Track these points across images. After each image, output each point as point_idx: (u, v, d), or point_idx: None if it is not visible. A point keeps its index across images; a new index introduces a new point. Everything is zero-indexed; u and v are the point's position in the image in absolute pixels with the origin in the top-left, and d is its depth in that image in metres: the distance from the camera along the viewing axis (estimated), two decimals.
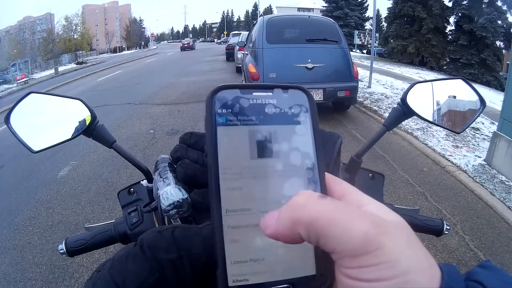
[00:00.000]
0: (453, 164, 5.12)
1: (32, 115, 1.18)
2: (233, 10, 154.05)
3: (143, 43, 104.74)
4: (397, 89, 10.75)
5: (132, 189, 1.01)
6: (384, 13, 34.41)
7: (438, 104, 1.13)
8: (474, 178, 4.66)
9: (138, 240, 0.41)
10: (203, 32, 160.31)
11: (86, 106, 1.12)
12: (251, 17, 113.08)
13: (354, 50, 33.94)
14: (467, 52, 25.29)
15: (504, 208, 3.98)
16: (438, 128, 5.62)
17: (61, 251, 1.00)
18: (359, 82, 7.57)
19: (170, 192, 0.67)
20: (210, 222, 0.35)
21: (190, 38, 75.86)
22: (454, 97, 1.14)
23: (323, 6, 46.28)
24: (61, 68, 50.42)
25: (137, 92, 12.42)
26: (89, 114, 1.11)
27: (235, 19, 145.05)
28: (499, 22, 24.33)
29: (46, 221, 3.98)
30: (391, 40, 30.24)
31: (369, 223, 0.27)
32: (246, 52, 8.70)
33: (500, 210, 3.96)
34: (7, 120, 1.14)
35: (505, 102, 5.26)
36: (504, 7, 24.55)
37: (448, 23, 28.31)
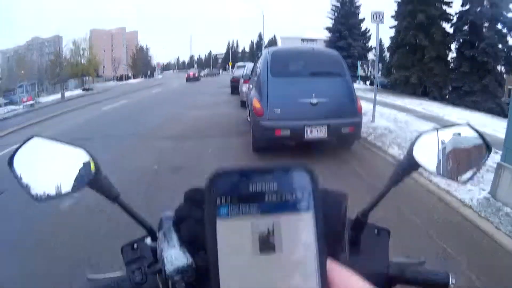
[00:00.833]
0: (458, 199, 5.04)
1: (35, 161, 1.14)
2: (238, 40, 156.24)
3: (149, 72, 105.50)
4: (401, 122, 10.78)
5: (135, 245, 1.00)
6: (386, 43, 34.93)
7: (443, 153, 1.18)
8: (479, 213, 4.60)
9: None
10: (209, 63, 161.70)
11: (89, 155, 1.09)
12: (256, 47, 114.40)
13: (357, 81, 34.21)
14: (469, 79, 25.73)
15: (510, 242, 3.94)
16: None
17: None
18: (363, 117, 7.58)
19: (174, 256, 0.67)
20: None
21: (195, 69, 76.02)
22: (459, 145, 1.19)
23: (327, 36, 46.84)
24: (67, 93, 50.80)
25: (142, 123, 12.50)
26: (93, 164, 1.08)
27: (240, 50, 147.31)
28: (500, 46, 24.92)
29: (44, 256, 3.86)
30: (394, 71, 30.68)
31: None
32: (251, 86, 8.72)
33: (506, 244, 3.91)
34: (10, 163, 1.09)
35: (508, 130, 5.08)
36: (504, 30, 25.28)
37: (450, 50, 29.07)
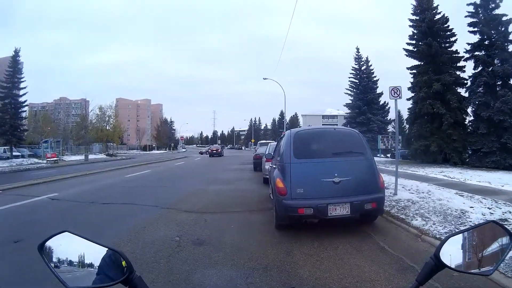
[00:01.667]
0: None
1: (65, 252, 1.24)
2: (260, 118, 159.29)
3: (172, 144, 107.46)
4: (423, 192, 10.73)
5: None
6: (405, 114, 35.30)
7: (469, 252, 1.18)
8: (506, 273, 4.43)
9: None
10: (231, 139, 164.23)
11: (124, 258, 1.20)
12: (278, 125, 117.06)
13: (378, 155, 34.23)
14: (487, 140, 25.79)
15: None
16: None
17: None
18: (386, 190, 7.46)
19: None
20: None
21: (218, 145, 77.28)
22: (485, 242, 1.20)
23: (347, 113, 47.98)
24: (91, 156, 52.27)
25: (164, 195, 12.60)
26: (126, 264, 1.20)
27: (262, 127, 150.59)
28: None
29: None
30: (413, 141, 30.84)
31: None
32: (274, 166, 8.78)
33: None
34: (40, 249, 1.23)
35: None
36: None
37: (467, 114, 29.35)
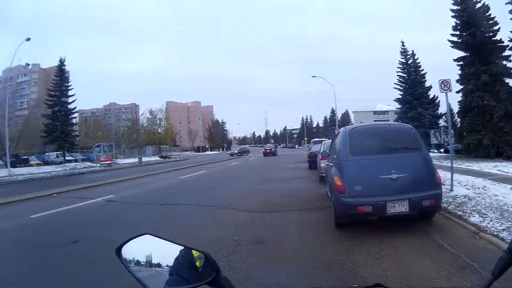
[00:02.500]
0: None
1: (145, 255, 1.25)
2: (311, 116, 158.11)
3: (225, 145, 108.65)
4: (478, 188, 10.46)
5: None
6: (455, 107, 34.28)
7: None
8: None
9: None
10: (284, 138, 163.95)
11: (210, 260, 1.21)
12: (329, 123, 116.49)
13: (431, 150, 33.38)
14: None
15: None
16: None
17: None
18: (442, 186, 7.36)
19: None
20: None
21: (272, 144, 77.29)
22: None
23: (397, 108, 46.85)
24: (144, 159, 53.60)
25: (220, 195, 12.85)
26: (213, 266, 1.20)
27: (314, 125, 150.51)
28: None
29: None
30: (465, 135, 29.94)
31: None
32: (330, 163, 8.75)
33: None
34: (118, 252, 1.27)
35: None
36: None
37: None
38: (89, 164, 44.22)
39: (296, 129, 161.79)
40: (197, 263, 1.22)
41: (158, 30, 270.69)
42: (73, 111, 50.06)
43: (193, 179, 20.18)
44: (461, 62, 30.72)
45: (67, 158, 46.40)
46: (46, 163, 43.96)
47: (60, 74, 48.19)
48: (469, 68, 29.07)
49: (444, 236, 6.29)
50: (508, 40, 28.24)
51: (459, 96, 31.33)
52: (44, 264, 5.95)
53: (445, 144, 28.20)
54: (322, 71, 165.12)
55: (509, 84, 28.63)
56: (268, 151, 53.18)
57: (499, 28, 29.21)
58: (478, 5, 29.63)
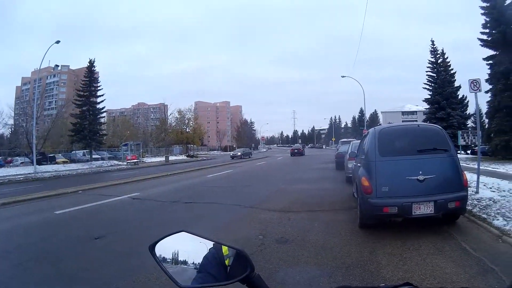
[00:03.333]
0: None
1: (179, 251, 1.30)
2: (340, 116, 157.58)
3: (253, 145, 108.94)
4: (504, 191, 10.35)
5: None
6: (484, 108, 33.67)
7: None
8: None
9: None
10: (312, 138, 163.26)
11: (245, 257, 1.24)
12: (358, 123, 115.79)
13: (458, 151, 32.91)
14: None
15: None
16: None
17: None
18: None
19: None
20: None
21: (299, 144, 77.07)
22: None
23: (426, 108, 46.11)
24: (171, 158, 54.21)
25: (247, 195, 12.94)
26: (248, 263, 1.22)
27: (342, 125, 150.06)
28: None
29: None
30: (493, 136, 29.48)
31: None
32: (358, 164, 8.81)
33: None
34: (152, 249, 1.31)
35: None
36: None
37: None
38: (116, 162, 45.21)
39: (324, 129, 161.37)
40: (226, 262, 1.26)
41: (191, 32, 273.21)
42: (102, 110, 51.18)
43: (220, 178, 20.43)
44: (491, 61, 30.18)
45: (94, 156, 47.48)
46: (73, 161, 45.41)
47: (90, 75, 49.56)
48: (498, 67, 28.46)
49: (467, 239, 6.27)
50: None
51: (488, 96, 30.95)
52: (65, 257, 6.24)
53: (472, 145, 27.81)
54: (352, 72, 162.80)
55: None
56: (296, 151, 53.04)
57: None
58: (508, 1, 28.90)
